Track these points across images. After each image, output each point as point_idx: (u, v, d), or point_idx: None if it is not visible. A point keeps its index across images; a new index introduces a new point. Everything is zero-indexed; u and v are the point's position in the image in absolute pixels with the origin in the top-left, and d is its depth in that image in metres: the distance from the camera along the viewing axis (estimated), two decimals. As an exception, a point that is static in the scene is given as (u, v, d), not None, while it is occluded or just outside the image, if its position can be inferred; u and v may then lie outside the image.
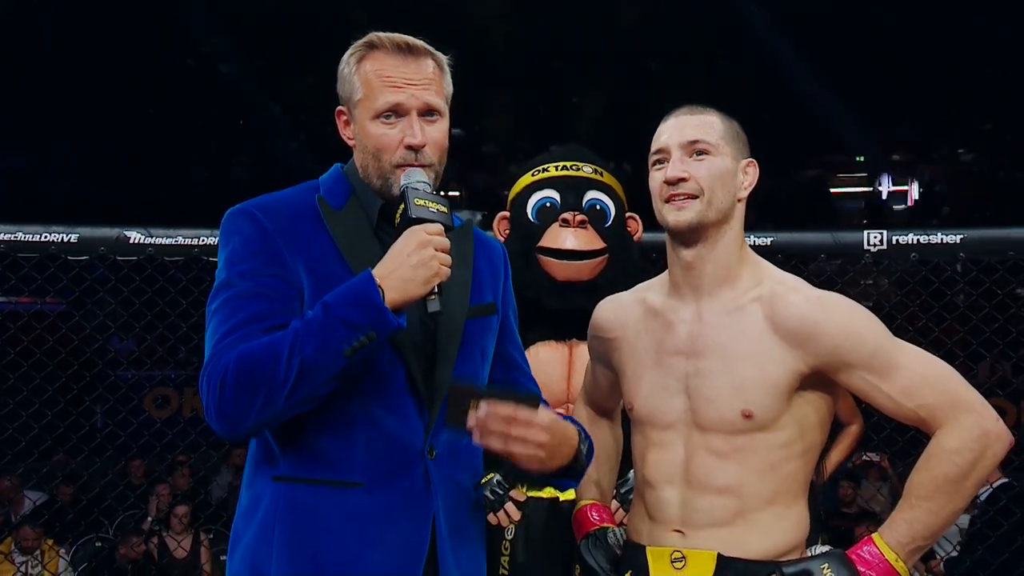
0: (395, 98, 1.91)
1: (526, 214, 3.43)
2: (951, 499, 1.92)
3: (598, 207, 3.43)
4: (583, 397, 2.53)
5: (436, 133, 1.95)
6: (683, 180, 2.03)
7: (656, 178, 2.08)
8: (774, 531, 2.02)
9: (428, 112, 1.94)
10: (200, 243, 3.95)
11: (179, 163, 17.02)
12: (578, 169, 3.49)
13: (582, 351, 3.16)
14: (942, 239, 4.03)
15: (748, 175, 2.11)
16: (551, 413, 1.90)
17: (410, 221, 1.85)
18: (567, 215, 3.36)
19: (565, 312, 3.17)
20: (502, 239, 3.40)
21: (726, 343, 2.03)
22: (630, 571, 2.11)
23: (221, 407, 1.77)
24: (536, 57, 16.17)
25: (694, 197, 2.03)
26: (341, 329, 1.76)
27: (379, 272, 1.80)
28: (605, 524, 2.26)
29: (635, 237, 3.52)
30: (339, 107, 2.00)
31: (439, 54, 2.01)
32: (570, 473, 2.00)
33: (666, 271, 2.19)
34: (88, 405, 5.95)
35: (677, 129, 2.09)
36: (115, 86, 15.59)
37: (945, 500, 1.92)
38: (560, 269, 3.29)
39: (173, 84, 15.99)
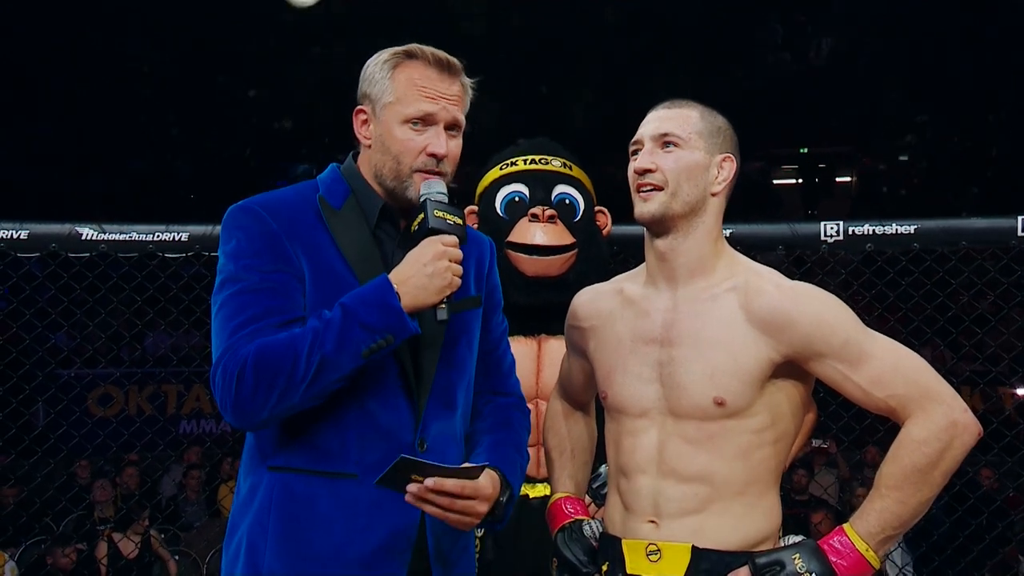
0: (429, 108, 1.99)
1: (495, 208, 3.41)
2: (920, 489, 1.95)
3: (567, 201, 3.43)
4: (558, 391, 2.53)
5: (455, 148, 2.05)
6: (649, 171, 2.07)
7: (630, 168, 2.13)
8: (746, 520, 2.04)
9: (453, 127, 2.03)
10: (155, 239, 3.86)
11: (116, 157, 16.64)
12: (547, 163, 3.48)
13: (551, 346, 3.17)
14: (896, 230, 4.08)
15: (723, 170, 2.12)
16: (492, 478, 1.98)
17: (428, 231, 1.95)
18: (536, 210, 3.35)
19: (534, 307, 3.18)
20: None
21: (699, 331, 2.05)
22: (607, 563, 2.13)
23: (238, 398, 1.84)
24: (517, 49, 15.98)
25: (659, 189, 2.06)
26: (360, 331, 1.85)
27: (395, 278, 1.91)
28: (580, 517, 2.28)
29: (604, 231, 3.52)
30: (360, 106, 2.06)
31: (467, 77, 2.09)
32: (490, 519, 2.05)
33: (646, 264, 2.22)
34: (26, 401, 5.77)
35: (653, 122, 2.13)
36: (46, 77, 15.19)
37: (914, 490, 1.95)
38: (529, 264, 3.28)
39: (108, 75, 15.62)
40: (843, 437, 4.81)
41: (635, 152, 2.14)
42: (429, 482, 1.84)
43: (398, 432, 1.98)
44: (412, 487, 1.84)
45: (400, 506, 1.90)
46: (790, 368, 2.05)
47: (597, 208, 3.49)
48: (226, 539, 2.04)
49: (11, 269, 4.00)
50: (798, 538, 2.04)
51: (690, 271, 2.10)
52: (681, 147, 2.08)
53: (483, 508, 1.93)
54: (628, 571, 2.07)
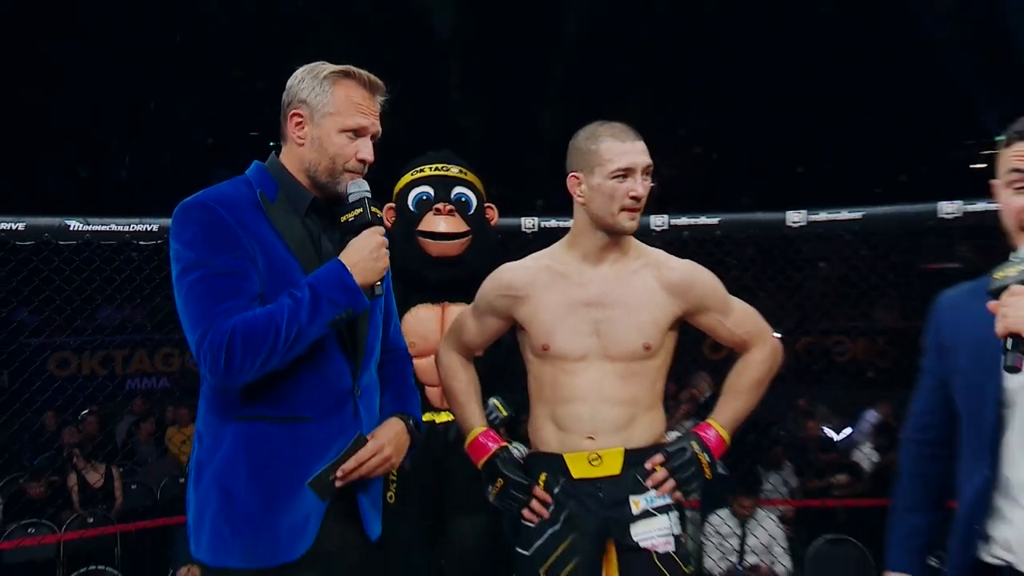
0: (363, 122, 1.97)
1: (408, 205, 3.46)
2: (756, 394, 2.27)
3: (463, 199, 3.50)
4: (452, 346, 2.53)
5: (373, 155, 2.03)
6: (642, 198, 2.17)
7: (620, 189, 2.15)
8: (653, 426, 2.23)
9: (374, 137, 2.01)
10: (130, 229, 3.87)
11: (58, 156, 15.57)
12: (447, 170, 3.55)
13: (451, 311, 3.22)
14: (705, 221, 4.28)
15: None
16: (381, 430, 2.01)
17: (366, 224, 1.95)
18: (439, 205, 3.43)
19: (439, 281, 3.26)
20: (389, 225, 3.41)
21: (630, 295, 2.19)
22: (544, 473, 2.22)
23: (229, 366, 1.79)
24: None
25: (640, 211, 2.19)
26: (328, 306, 1.85)
27: (347, 261, 1.90)
28: (503, 444, 2.32)
29: (492, 223, 3.61)
30: (295, 110, 1.97)
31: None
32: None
33: (557, 246, 2.31)
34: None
35: (642, 153, 2.19)
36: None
37: (755, 394, 2.27)
38: (435, 247, 3.36)
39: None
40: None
41: (624, 175, 2.15)
42: (339, 474, 1.89)
43: (341, 382, 1.96)
44: (337, 483, 1.89)
45: (346, 440, 1.93)
46: (678, 321, 2.25)
47: (487, 204, 3.58)
48: (194, 477, 1.93)
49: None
50: (676, 434, 2.30)
51: (619, 254, 2.23)
52: (649, 175, 2.20)
53: (389, 452, 1.97)
54: (574, 476, 2.17)
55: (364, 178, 2.04)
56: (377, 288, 1.97)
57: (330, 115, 1.94)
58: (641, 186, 2.16)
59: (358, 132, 1.97)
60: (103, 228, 3.86)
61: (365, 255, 1.91)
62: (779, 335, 2.40)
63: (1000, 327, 1.56)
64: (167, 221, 3.79)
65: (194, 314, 1.83)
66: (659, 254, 2.28)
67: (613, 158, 2.15)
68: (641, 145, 2.19)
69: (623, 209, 2.15)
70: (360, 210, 1.96)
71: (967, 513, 1.75)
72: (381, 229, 1.97)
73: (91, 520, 5.77)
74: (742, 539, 5.10)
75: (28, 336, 9.56)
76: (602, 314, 2.17)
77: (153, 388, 11.30)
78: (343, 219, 1.97)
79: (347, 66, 1.98)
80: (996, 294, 1.60)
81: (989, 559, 1.72)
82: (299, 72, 1.99)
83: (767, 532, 5.12)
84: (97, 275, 4.09)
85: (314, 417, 1.91)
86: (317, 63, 2.00)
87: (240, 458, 1.87)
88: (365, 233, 1.94)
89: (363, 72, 1.99)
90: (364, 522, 2.00)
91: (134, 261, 4.16)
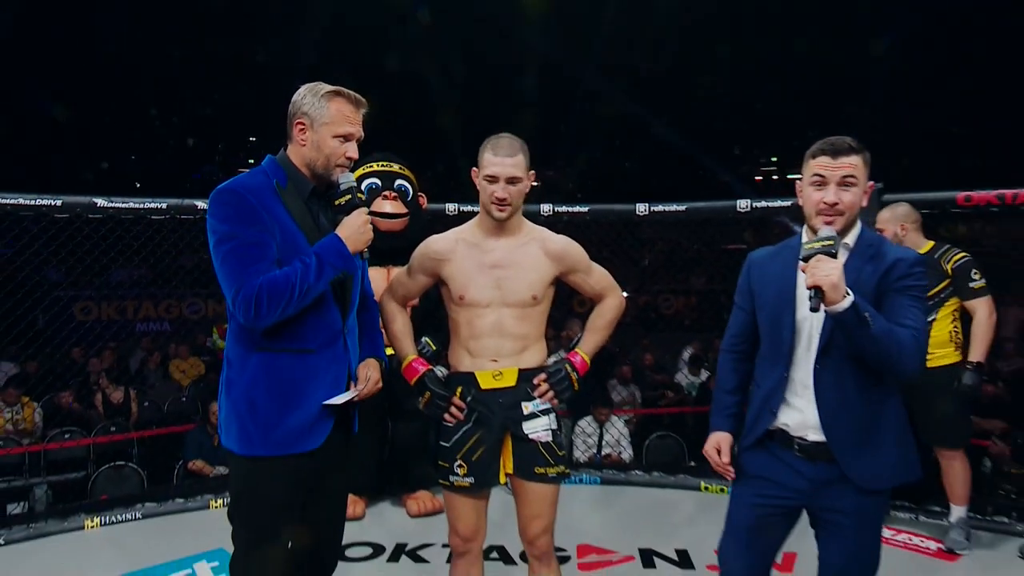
0: (352, 130, 1.94)
1: (361, 191, 3.47)
2: (608, 331, 2.29)
3: (403, 188, 3.52)
4: (392, 297, 2.40)
5: (358, 152, 2.01)
6: (505, 200, 2.10)
7: (489, 190, 2.10)
8: (538, 354, 2.21)
9: (359, 140, 1.98)
10: (143, 206, 3.66)
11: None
12: (391, 166, 3.55)
13: (394, 272, 3.20)
14: (578, 209, 4.25)
15: (529, 181, 2.19)
16: (372, 369, 2.02)
17: (356, 205, 1.94)
18: (386, 192, 3.44)
19: (386, 249, 3.22)
20: (424, 208, 3.57)
21: (522, 261, 2.17)
22: (460, 387, 2.20)
23: (257, 313, 1.78)
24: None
25: (509, 206, 2.12)
26: (330, 268, 1.85)
27: (342, 234, 1.89)
28: (430, 367, 2.29)
29: (423, 207, 3.63)
30: (299, 120, 1.93)
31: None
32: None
33: (470, 223, 2.25)
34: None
35: (508, 167, 2.09)
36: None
37: (607, 331, 2.29)
38: (383, 224, 3.35)
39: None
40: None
41: (492, 180, 2.10)
42: (356, 398, 1.95)
43: (334, 324, 1.95)
44: (355, 400, 1.95)
45: (338, 366, 1.93)
46: (556, 279, 2.22)
47: (419, 193, 3.60)
48: (224, 394, 1.91)
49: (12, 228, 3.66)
50: (555, 359, 2.29)
51: (510, 232, 2.18)
52: (520, 181, 2.12)
53: (375, 375, 2.01)
54: (482, 387, 2.17)
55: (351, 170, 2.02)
56: (364, 253, 1.97)
57: (326, 124, 1.92)
58: (503, 190, 2.09)
59: (347, 137, 1.94)
60: (122, 205, 3.65)
61: (355, 229, 1.91)
62: (626, 294, 2.44)
63: (809, 281, 1.63)
64: (175, 201, 3.73)
65: (230, 274, 1.81)
66: (543, 231, 2.26)
67: (486, 166, 2.11)
68: (511, 160, 2.09)
69: (492, 203, 2.12)
70: (349, 196, 1.94)
71: (764, 398, 1.87)
72: (365, 210, 1.94)
73: (114, 428, 5.58)
74: (600, 437, 5.21)
75: (59, 289, 9.03)
76: (502, 273, 2.16)
77: (158, 330, 10.79)
78: (336, 203, 1.95)
79: (338, 87, 1.95)
80: (806, 259, 1.66)
81: (773, 427, 1.87)
82: (302, 90, 1.95)
83: (617, 431, 5.25)
84: (116, 242, 3.90)
85: (316, 349, 1.90)
86: (315, 83, 1.95)
87: (262, 377, 1.86)
88: (354, 213, 1.93)
89: (351, 92, 1.96)
90: (352, 423, 2.03)
91: (146, 232, 4.02)
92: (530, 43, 12.65)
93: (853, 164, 1.76)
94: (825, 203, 1.76)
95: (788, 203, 3.93)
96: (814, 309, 1.62)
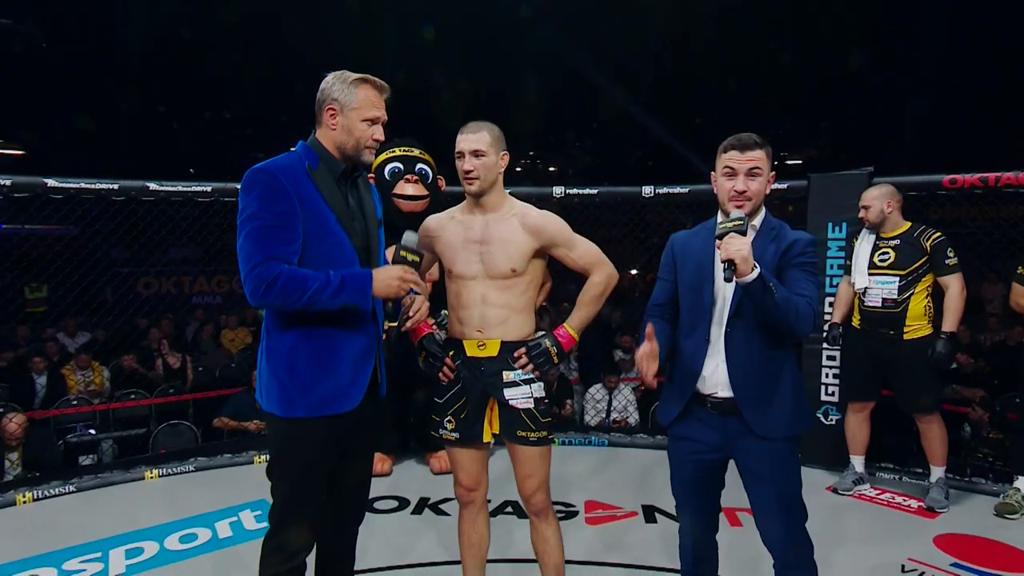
0: (379, 114, 1.92)
1: (384, 175, 3.42)
2: (596, 305, 2.18)
3: (423, 172, 3.48)
4: None
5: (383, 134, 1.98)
6: (471, 172, 2.07)
7: (459, 164, 2.10)
8: (522, 326, 2.15)
9: (384, 123, 1.94)
10: (192, 189, 3.70)
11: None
12: (412, 151, 3.51)
13: None
14: (589, 192, 4.24)
15: (503, 161, 2.15)
16: (418, 297, 2.00)
17: (401, 260, 1.90)
18: (408, 176, 3.42)
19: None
20: (443, 189, 3.53)
21: (501, 235, 2.12)
22: (452, 351, 2.19)
23: (264, 297, 1.75)
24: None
25: (476, 178, 2.08)
26: (346, 297, 1.80)
27: (376, 275, 1.85)
28: (432, 331, 2.28)
29: (442, 189, 3.60)
30: (329, 105, 1.89)
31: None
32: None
33: (463, 202, 2.22)
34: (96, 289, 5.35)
35: (471, 142, 2.07)
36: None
37: (595, 306, 2.18)
38: (405, 205, 3.36)
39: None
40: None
41: (460, 156, 2.07)
42: (408, 325, 1.99)
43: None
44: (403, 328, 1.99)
45: (368, 335, 1.91)
46: (540, 252, 2.15)
47: (438, 175, 3.57)
48: (265, 361, 1.88)
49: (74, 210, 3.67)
50: (541, 333, 2.21)
51: (491, 208, 2.14)
52: (484, 155, 2.08)
53: (420, 303, 2.02)
54: (468, 355, 2.15)
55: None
56: (390, 304, 1.90)
57: (355, 109, 1.89)
58: (468, 163, 2.06)
59: (374, 120, 1.91)
60: (173, 188, 3.68)
61: (389, 277, 1.86)
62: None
63: (723, 255, 1.71)
64: (219, 184, 3.76)
65: (250, 251, 1.77)
66: (525, 206, 2.17)
67: (457, 143, 2.09)
68: (474, 136, 2.07)
69: (463, 178, 2.10)
70: (404, 252, 1.92)
71: (689, 358, 1.91)
72: (410, 270, 1.89)
73: (171, 390, 5.68)
74: (609, 403, 5.19)
75: (121, 266, 9.22)
76: (484, 248, 2.12)
77: (211, 303, 10.96)
78: (397, 254, 1.91)
79: (364, 74, 1.92)
80: (720, 237, 1.74)
81: (699, 390, 1.91)
82: (329, 78, 1.92)
83: (625, 398, 5.22)
84: (168, 222, 3.96)
85: (349, 319, 1.88)
86: (342, 71, 1.92)
87: (300, 345, 1.84)
88: (397, 266, 1.89)
89: (376, 78, 1.93)
90: (380, 388, 2.02)
91: (193, 213, 4.02)
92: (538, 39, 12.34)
93: (759, 157, 1.86)
94: (736, 191, 1.85)
95: (686, 189, 4.15)
96: (728, 279, 1.71)
